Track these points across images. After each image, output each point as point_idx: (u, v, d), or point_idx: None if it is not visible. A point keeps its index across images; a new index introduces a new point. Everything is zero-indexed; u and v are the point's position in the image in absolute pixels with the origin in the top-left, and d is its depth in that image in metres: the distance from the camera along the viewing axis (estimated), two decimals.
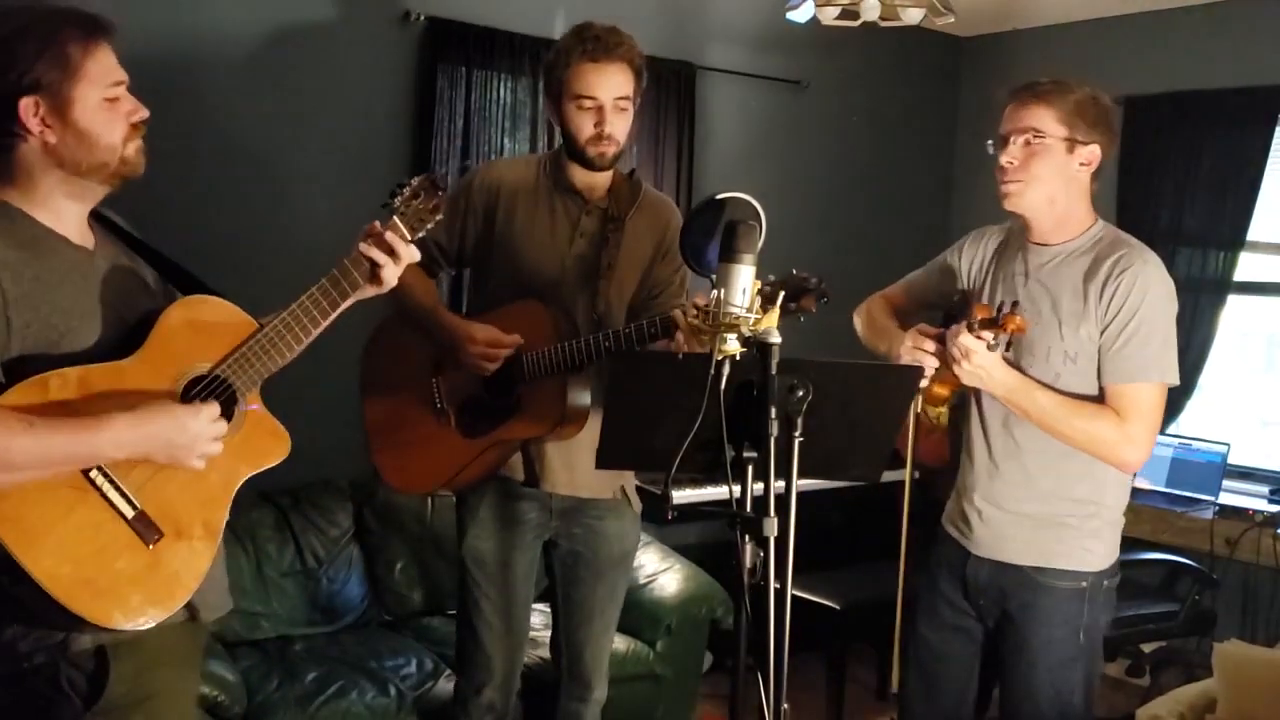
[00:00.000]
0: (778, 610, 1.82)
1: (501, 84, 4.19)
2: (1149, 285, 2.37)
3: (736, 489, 1.89)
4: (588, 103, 2.51)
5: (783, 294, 1.98)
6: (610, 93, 2.51)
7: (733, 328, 1.82)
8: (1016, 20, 5.19)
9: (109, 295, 1.80)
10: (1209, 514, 4.20)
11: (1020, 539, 2.47)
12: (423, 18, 4.01)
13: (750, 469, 1.91)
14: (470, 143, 4.12)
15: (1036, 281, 2.45)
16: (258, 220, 3.72)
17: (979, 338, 2.25)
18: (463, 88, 4.09)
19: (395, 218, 1.95)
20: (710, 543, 4.43)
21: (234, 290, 1.96)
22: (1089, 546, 2.47)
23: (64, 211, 1.79)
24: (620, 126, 2.55)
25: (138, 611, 1.72)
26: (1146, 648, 4.47)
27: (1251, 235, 4.57)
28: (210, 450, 1.78)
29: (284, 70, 3.76)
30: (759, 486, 1.89)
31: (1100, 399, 2.38)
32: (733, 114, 4.89)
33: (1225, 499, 4.32)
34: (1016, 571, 2.47)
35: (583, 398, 2.52)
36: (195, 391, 1.82)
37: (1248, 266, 4.63)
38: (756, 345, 1.85)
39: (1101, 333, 2.36)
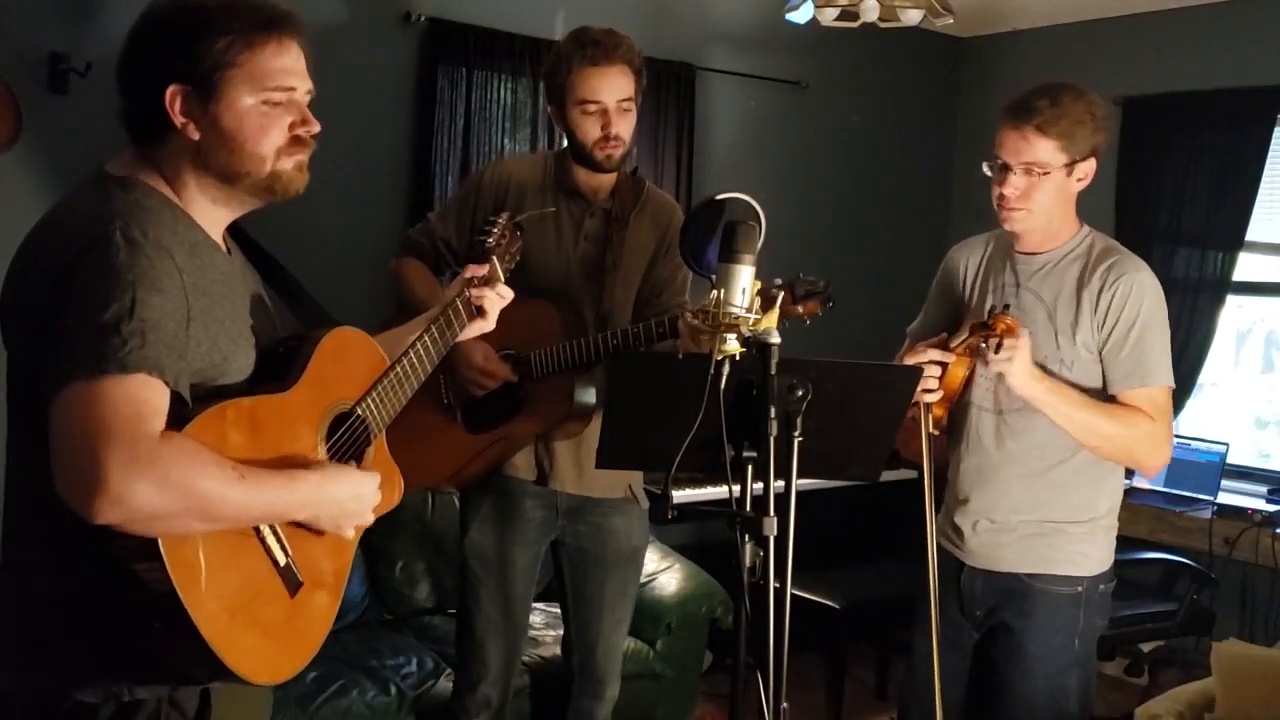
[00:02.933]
0: (778, 610, 1.83)
1: (502, 84, 4.19)
2: (1145, 291, 2.38)
3: (736, 489, 1.90)
4: (592, 107, 2.52)
5: (788, 296, 1.99)
6: (614, 95, 2.53)
7: (732, 328, 1.82)
8: (1016, 20, 5.19)
9: (250, 314, 1.64)
10: (1208, 513, 4.21)
11: (1015, 548, 2.46)
12: (423, 18, 4.02)
13: (750, 469, 1.91)
14: (471, 143, 4.12)
15: (1028, 291, 2.45)
16: (257, 219, 3.72)
17: (978, 339, 2.27)
18: (463, 88, 4.10)
19: (493, 256, 2.03)
20: (710, 543, 4.44)
21: None
22: (1085, 551, 2.47)
23: (211, 216, 1.61)
24: (625, 127, 2.56)
25: (276, 667, 1.58)
26: (1145, 647, 4.48)
27: (1250, 235, 4.57)
28: (367, 521, 1.67)
29: None
30: (759, 486, 1.90)
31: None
32: (733, 114, 4.89)
33: (1224, 499, 4.32)
34: (1012, 579, 2.47)
35: (588, 396, 2.53)
36: (341, 433, 1.70)
37: (1246, 266, 4.63)
38: (756, 345, 1.86)
39: (1106, 340, 2.37)
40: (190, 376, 1.50)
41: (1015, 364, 2.27)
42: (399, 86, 4.06)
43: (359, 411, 1.73)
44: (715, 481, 3.08)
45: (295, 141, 1.59)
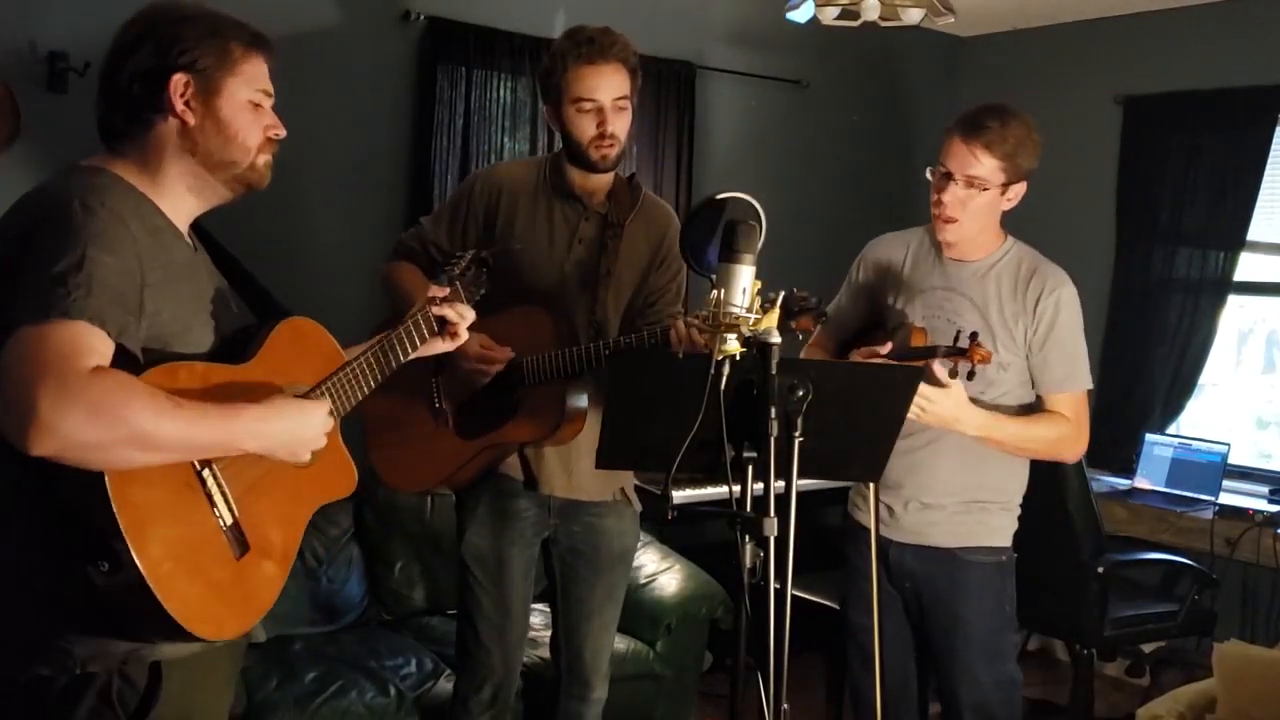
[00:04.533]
0: (778, 610, 1.82)
1: (501, 84, 4.19)
2: (1072, 304, 2.57)
3: (736, 489, 1.89)
4: (588, 105, 2.51)
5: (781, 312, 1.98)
6: (610, 93, 2.51)
7: (733, 328, 1.82)
8: (1016, 20, 5.19)
9: (212, 302, 1.78)
10: (1209, 514, 4.20)
11: (945, 525, 2.61)
12: (423, 17, 4.02)
13: (750, 469, 1.90)
14: (470, 142, 4.12)
15: (961, 295, 2.58)
16: (256, 220, 3.71)
17: (949, 365, 2.38)
18: (463, 87, 4.09)
19: (457, 284, 2.12)
20: (710, 543, 4.43)
21: None
22: (1002, 525, 2.66)
23: (181, 205, 1.77)
24: (621, 126, 2.55)
25: (218, 622, 1.64)
26: (1146, 648, 4.47)
27: (1251, 235, 4.57)
28: (320, 445, 1.77)
29: (284, 70, 3.72)
30: (759, 486, 1.89)
31: (1022, 402, 2.60)
32: (733, 114, 4.89)
33: (1225, 499, 4.31)
34: (942, 553, 2.62)
35: (580, 404, 2.52)
36: None
37: (1248, 266, 4.62)
38: (756, 345, 1.85)
39: (1040, 347, 2.55)
40: (145, 340, 1.62)
41: (942, 412, 2.40)
42: (398, 86, 4.05)
43: (313, 396, 1.81)
44: (715, 481, 3.06)
45: (268, 142, 1.81)
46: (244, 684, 3.12)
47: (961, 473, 2.59)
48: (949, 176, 2.51)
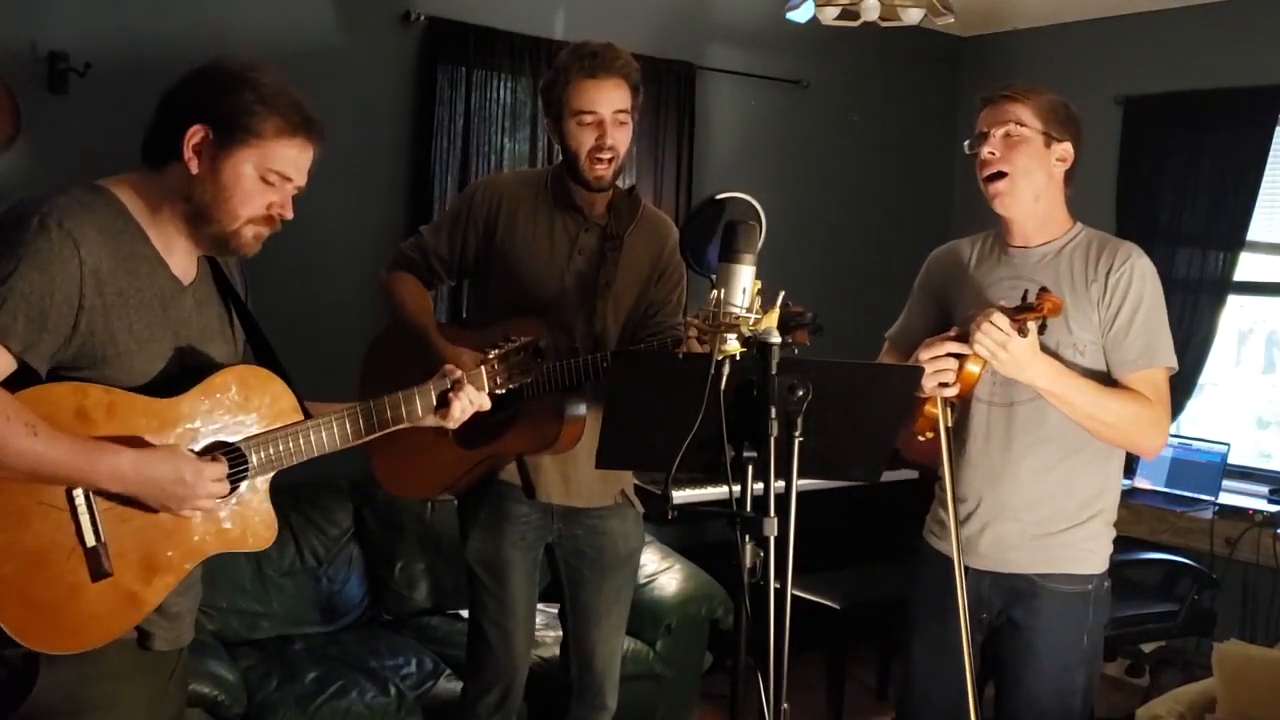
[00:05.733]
0: (778, 610, 1.82)
1: (501, 84, 4.19)
2: (1147, 275, 2.37)
3: (736, 489, 1.89)
4: (588, 118, 2.53)
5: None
6: (610, 107, 2.54)
7: (733, 328, 1.82)
8: (1016, 20, 5.19)
9: (182, 334, 1.81)
10: (1209, 514, 4.20)
11: (1026, 548, 2.41)
12: (423, 18, 4.02)
13: (750, 469, 1.90)
14: (470, 143, 4.12)
15: (1029, 281, 2.37)
16: None
17: (1016, 325, 2.19)
18: (463, 88, 4.09)
19: (483, 366, 2.08)
20: (710, 543, 4.43)
21: None
22: (1092, 549, 2.44)
23: (173, 241, 1.81)
24: (621, 140, 2.57)
25: (50, 639, 1.68)
26: (1146, 647, 4.47)
27: (1251, 235, 4.57)
28: (204, 507, 1.76)
29: (284, 70, 3.76)
30: (759, 486, 1.89)
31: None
32: (733, 114, 4.89)
33: (1225, 499, 4.32)
34: (1021, 580, 2.42)
35: (579, 414, 2.52)
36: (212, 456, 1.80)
37: (1248, 266, 4.63)
38: (756, 345, 1.85)
39: (1113, 321, 2.35)
40: (72, 359, 1.68)
41: (1013, 346, 2.20)
42: (398, 86, 4.06)
43: (241, 447, 1.83)
44: (715, 481, 3.07)
45: (267, 218, 1.82)
46: (244, 684, 3.13)
47: (1046, 482, 2.38)
48: (984, 135, 2.36)
